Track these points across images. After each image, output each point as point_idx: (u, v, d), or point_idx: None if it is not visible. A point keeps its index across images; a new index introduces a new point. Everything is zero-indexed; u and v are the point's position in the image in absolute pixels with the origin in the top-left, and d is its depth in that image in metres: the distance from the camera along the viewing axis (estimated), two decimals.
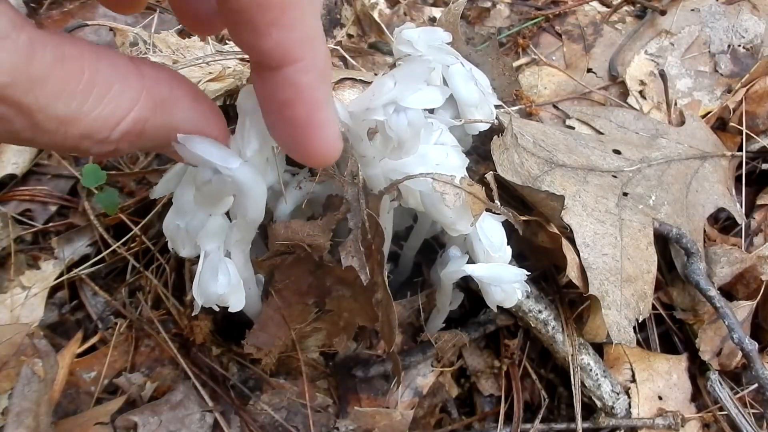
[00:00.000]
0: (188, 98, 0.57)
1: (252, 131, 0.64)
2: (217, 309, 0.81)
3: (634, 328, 1.01)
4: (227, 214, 0.78)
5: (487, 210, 0.82)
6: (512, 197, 1.05)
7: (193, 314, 0.82)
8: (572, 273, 0.99)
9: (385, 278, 0.83)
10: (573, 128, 1.26)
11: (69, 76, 0.47)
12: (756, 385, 1.11)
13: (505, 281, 0.87)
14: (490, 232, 0.86)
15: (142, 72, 0.52)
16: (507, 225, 0.88)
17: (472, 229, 0.82)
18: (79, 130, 0.48)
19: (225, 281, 0.77)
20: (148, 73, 0.53)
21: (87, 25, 1.41)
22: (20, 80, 0.45)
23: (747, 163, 1.31)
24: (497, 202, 0.83)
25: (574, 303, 1.12)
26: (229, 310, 0.80)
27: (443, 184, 0.75)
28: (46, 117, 0.47)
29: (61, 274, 1.21)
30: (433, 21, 1.51)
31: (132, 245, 1.22)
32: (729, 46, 1.44)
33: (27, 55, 0.45)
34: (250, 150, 0.65)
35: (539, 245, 1.05)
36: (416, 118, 0.64)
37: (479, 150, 1.09)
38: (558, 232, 1.01)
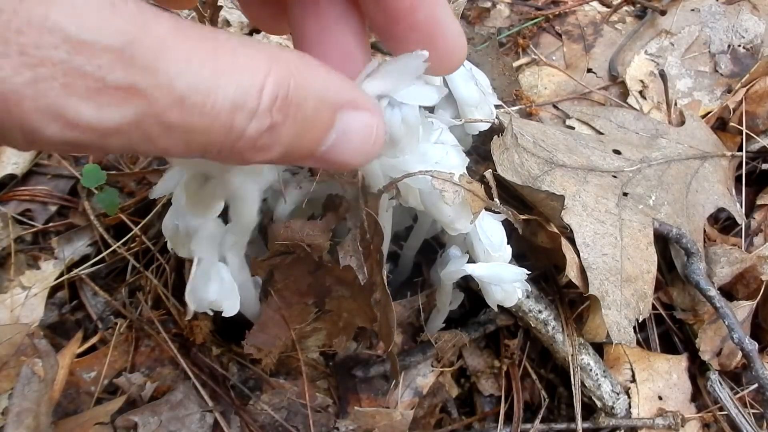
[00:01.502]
0: (309, 60, 0.52)
1: None
2: (211, 313, 0.81)
3: (634, 328, 1.01)
4: (223, 217, 0.78)
5: (487, 208, 0.82)
6: (512, 197, 1.05)
7: (187, 318, 0.82)
8: (572, 272, 0.99)
9: (384, 278, 0.83)
10: (573, 128, 1.26)
11: (193, 42, 0.42)
12: (756, 385, 1.11)
13: (505, 281, 0.87)
14: (490, 232, 0.85)
15: (261, 43, 0.48)
16: (507, 224, 0.88)
17: (471, 228, 0.82)
18: (227, 100, 0.43)
19: (216, 288, 0.76)
20: (264, 44, 0.49)
21: None
22: (143, 42, 0.39)
23: (747, 163, 1.31)
24: (496, 200, 0.82)
25: (574, 303, 1.12)
26: (223, 315, 0.80)
27: (442, 181, 0.74)
28: (187, 86, 0.41)
29: (61, 274, 1.21)
30: None
31: (132, 245, 1.22)
32: (729, 46, 1.44)
33: (143, 22, 0.40)
34: None
35: (539, 245, 1.05)
36: (411, 115, 0.62)
37: (479, 150, 1.09)
38: (557, 232, 1.01)
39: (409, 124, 0.62)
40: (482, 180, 0.89)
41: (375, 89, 0.59)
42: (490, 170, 0.85)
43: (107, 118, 0.39)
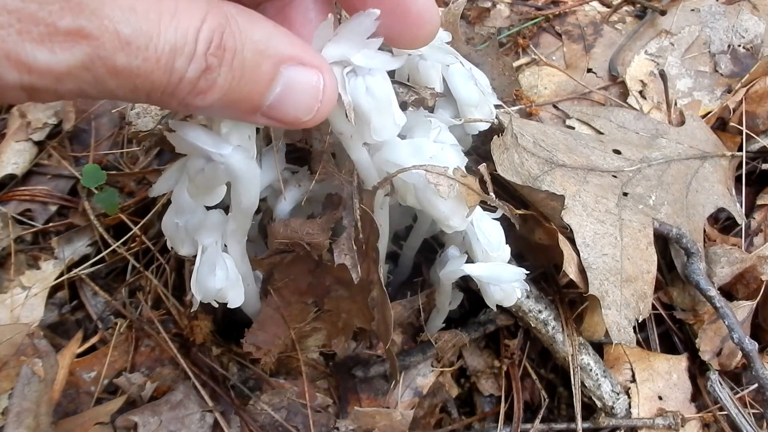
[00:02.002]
0: (253, 14, 0.54)
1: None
2: (216, 305, 0.81)
3: (634, 328, 1.01)
4: (226, 210, 0.78)
5: (482, 203, 0.81)
6: (512, 197, 1.05)
7: (192, 311, 0.82)
8: (569, 269, 0.99)
9: (381, 276, 0.83)
10: (573, 128, 1.26)
11: None
12: (756, 385, 1.11)
13: (504, 280, 0.87)
14: (489, 232, 0.85)
15: None
16: (505, 223, 0.88)
17: (467, 225, 0.81)
18: (167, 44, 0.46)
19: (223, 276, 0.76)
20: None
21: None
22: None
23: (747, 163, 1.31)
24: (492, 194, 0.82)
25: (574, 303, 1.12)
26: (228, 305, 0.80)
27: (436, 175, 0.73)
28: (132, 30, 0.44)
29: (61, 274, 1.21)
30: None
31: (132, 245, 1.22)
32: (729, 46, 1.44)
33: None
34: (230, 135, 0.64)
35: (537, 242, 1.05)
36: (376, 85, 0.59)
37: (479, 150, 1.09)
38: (554, 228, 1.01)
39: (376, 96, 0.59)
40: (481, 180, 0.89)
41: (331, 54, 0.58)
42: (484, 164, 0.83)
43: (60, 60, 0.42)
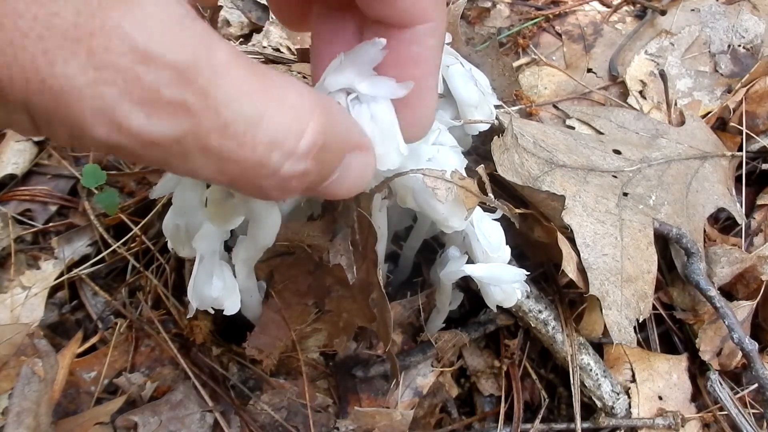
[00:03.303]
0: (342, 111, 0.55)
1: None
2: (212, 312, 0.81)
3: (635, 328, 1.02)
4: None
5: (481, 204, 0.81)
6: (512, 197, 1.05)
7: (188, 316, 0.82)
8: (568, 267, 0.99)
9: (380, 277, 0.83)
10: (573, 128, 1.26)
11: (249, 74, 0.44)
12: (756, 385, 1.11)
13: (504, 281, 0.87)
14: (488, 232, 0.85)
15: (307, 86, 0.49)
16: (504, 223, 0.88)
17: (467, 226, 0.81)
18: (267, 136, 0.44)
19: (220, 285, 0.76)
20: (310, 87, 0.50)
21: None
22: (203, 65, 0.41)
23: (747, 163, 1.31)
24: (490, 195, 0.82)
25: (574, 303, 1.12)
26: (225, 313, 0.80)
27: (434, 179, 0.72)
28: (233, 114, 0.42)
29: (61, 274, 1.21)
30: None
31: (132, 245, 1.22)
32: (729, 46, 1.44)
33: (207, 45, 0.42)
34: None
35: (536, 240, 1.05)
36: (380, 112, 0.58)
37: (479, 150, 1.09)
38: (554, 226, 1.01)
39: (380, 123, 0.59)
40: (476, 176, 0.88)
41: (336, 84, 0.57)
42: (482, 166, 0.83)
43: (153, 128, 0.41)
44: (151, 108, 0.40)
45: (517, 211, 0.90)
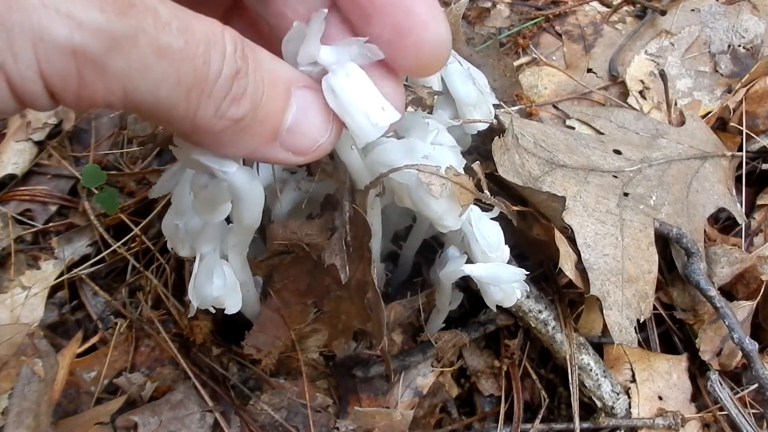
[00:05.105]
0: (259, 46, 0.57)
1: None
2: (213, 311, 0.81)
3: (635, 328, 1.01)
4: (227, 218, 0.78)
5: (478, 202, 0.80)
6: (513, 197, 1.05)
7: (189, 316, 0.82)
8: (566, 265, 0.99)
9: (373, 276, 0.82)
10: (573, 128, 1.26)
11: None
12: (756, 385, 1.11)
13: (503, 281, 0.87)
14: (487, 232, 0.85)
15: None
16: (503, 222, 0.88)
17: (466, 225, 0.81)
18: (203, 34, 0.48)
19: (220, 284, 0.76)
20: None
21: None
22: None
23: (747, 163, 1.31)
24: (486, 192, 0.81)
25: (573, 303, 1.12)
26: (226, 312, 0.80)
27: (429, 174, 0.71)
28: (170, 14, 0.46)
29: (61, 274, 1.21)
30: None
31: (132, 245, 1.22)
32: (729, 46, 1.44)
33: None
34: None
35: (535, 238, 1.05)
36: (339, 84, 0.56)
37: (479, 150, 1.09)
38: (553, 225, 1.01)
39: (340, 95, 0.57)
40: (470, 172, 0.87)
41: (301, 59, 0.57)
42: (477, 162, 0.82)
43: (111, 22, 0.43)
44: (103, 3, 0.42)
45: (515, 208, 0.89)
